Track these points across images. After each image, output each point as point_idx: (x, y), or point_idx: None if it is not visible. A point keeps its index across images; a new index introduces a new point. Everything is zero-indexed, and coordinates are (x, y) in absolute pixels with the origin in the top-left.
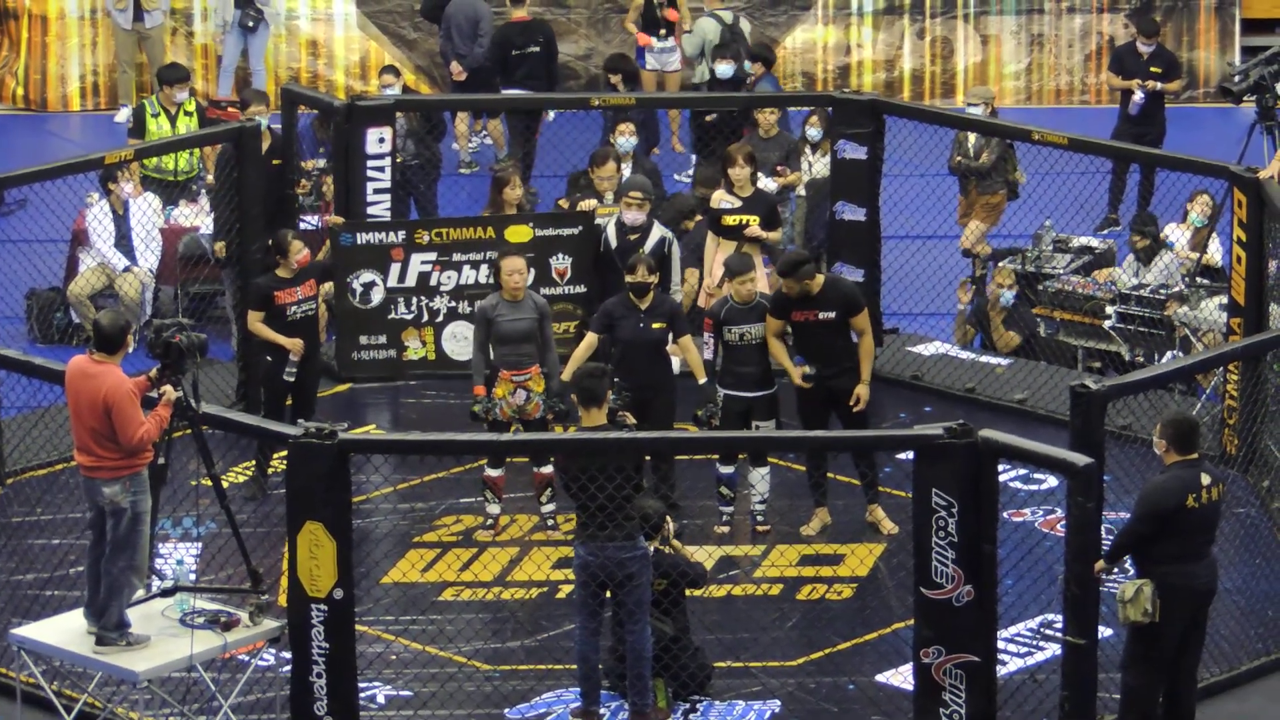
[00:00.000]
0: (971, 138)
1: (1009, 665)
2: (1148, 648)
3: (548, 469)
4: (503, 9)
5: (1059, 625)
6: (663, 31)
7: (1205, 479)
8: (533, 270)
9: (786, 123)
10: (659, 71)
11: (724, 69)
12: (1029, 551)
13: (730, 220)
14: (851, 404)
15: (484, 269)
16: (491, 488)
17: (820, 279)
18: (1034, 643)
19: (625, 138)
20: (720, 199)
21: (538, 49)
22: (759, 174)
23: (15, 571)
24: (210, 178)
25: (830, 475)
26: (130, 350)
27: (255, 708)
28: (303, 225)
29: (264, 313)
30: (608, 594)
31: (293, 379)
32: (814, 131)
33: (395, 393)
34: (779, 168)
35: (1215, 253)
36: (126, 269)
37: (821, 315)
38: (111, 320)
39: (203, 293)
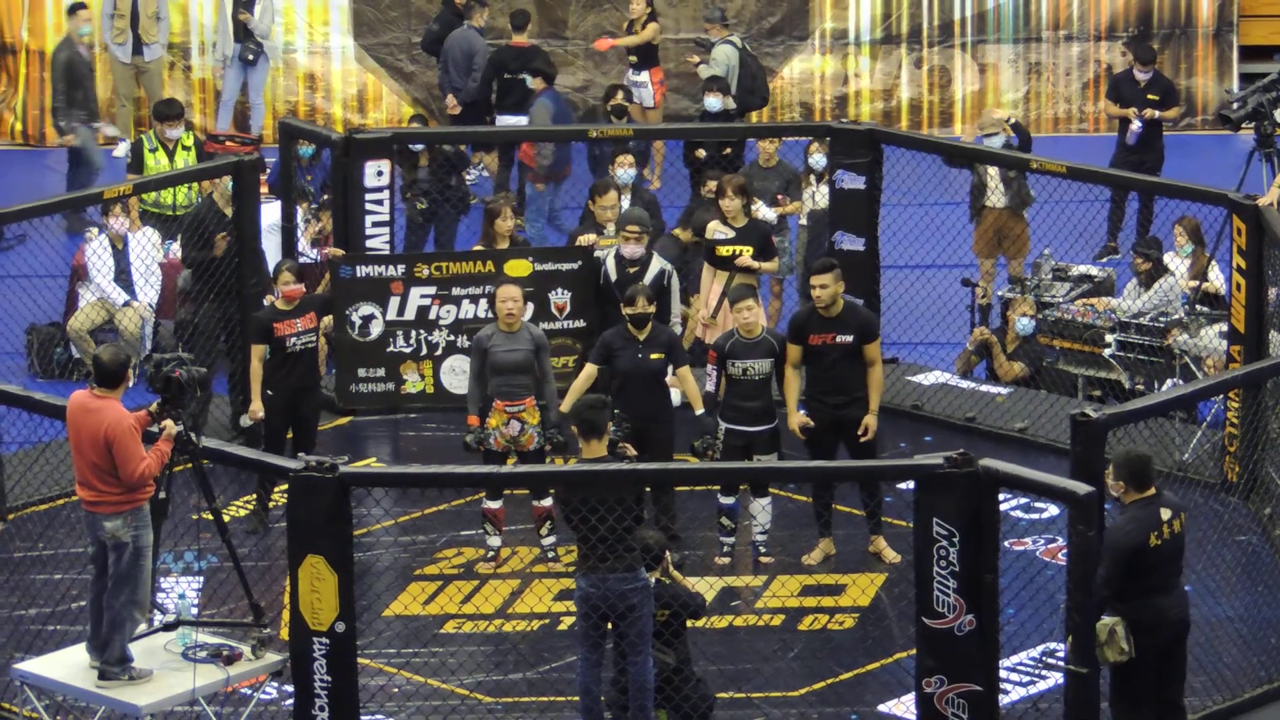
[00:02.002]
0: (991, 170)
1: (1011, 694)
2: (1130, 684)
3: (547, 502)
4: (498, 40)
5: (1061, 654)
6: (634, 59)
7: (1165, 514)
8: (531, 305)
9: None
10: (638, 107)
11: (712, 102)
12: (1030, 580)
13: (724, 251)
14: (860, 434)
15: (483, 303)
16: (491, 520)
17: (841, 300)
18: (1036, 671)
19: (624, 169)
20: (714, 230)
21: (530, 76)
22: (760, 204)
23: (17, 606)
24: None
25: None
26: (130, 385)
27: None
28: (302, 259)
29: (266, 345)
30: (609, 626)
31: (272, 393)
32: (818, 159)
33: (396, 425)
34: (779, 197)
35: (1216, 279)
36: (126, 304)
37: (839, 338)
38: (112, 355)
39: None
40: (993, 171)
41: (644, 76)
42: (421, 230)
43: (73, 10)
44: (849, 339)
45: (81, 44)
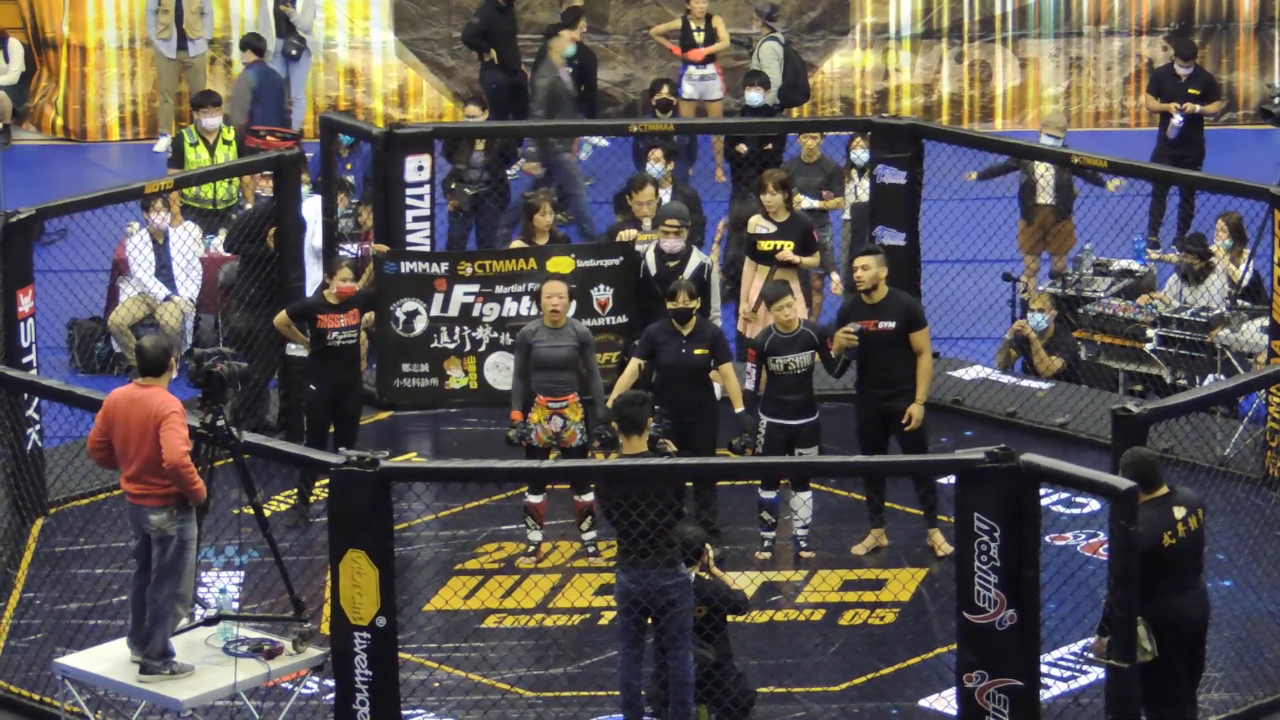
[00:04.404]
0: (1041, 169)
1: (1052, 689)
2: (1158, 683)
3: (588, 497)
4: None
5: None
6: (699, 55)
7: (1179, 512)
8: (574, 302)
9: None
10: (698, 100)
11: (753, 96)
12: (1071, 575)
13: (765, 245)
14: (904, 422)
15: (526, 300)
16: (533, 515)
17: (885, 288)
18: (1077, 667)
19: (654, 164)
20: (756, 224)
21: (570, 69)
22: (805, 197)
23: (59, 601)
24: (249, 207)
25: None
26: (174, 376)
27: None
28: (342, 253)
29: (296, 321)
30: (649, 621)
31: (315, 388)
32: (860, 154)
33: (436, 420)
34: (824, 192)
35: (1247, 272)
36: (167, 298)
37: (881, 324)
38: (154, 343)
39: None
40: (1041, 169)
41: (710, 69)
42: (465, 223)
43: (553, 31)
44: (891, 325)
45: (564, 69)
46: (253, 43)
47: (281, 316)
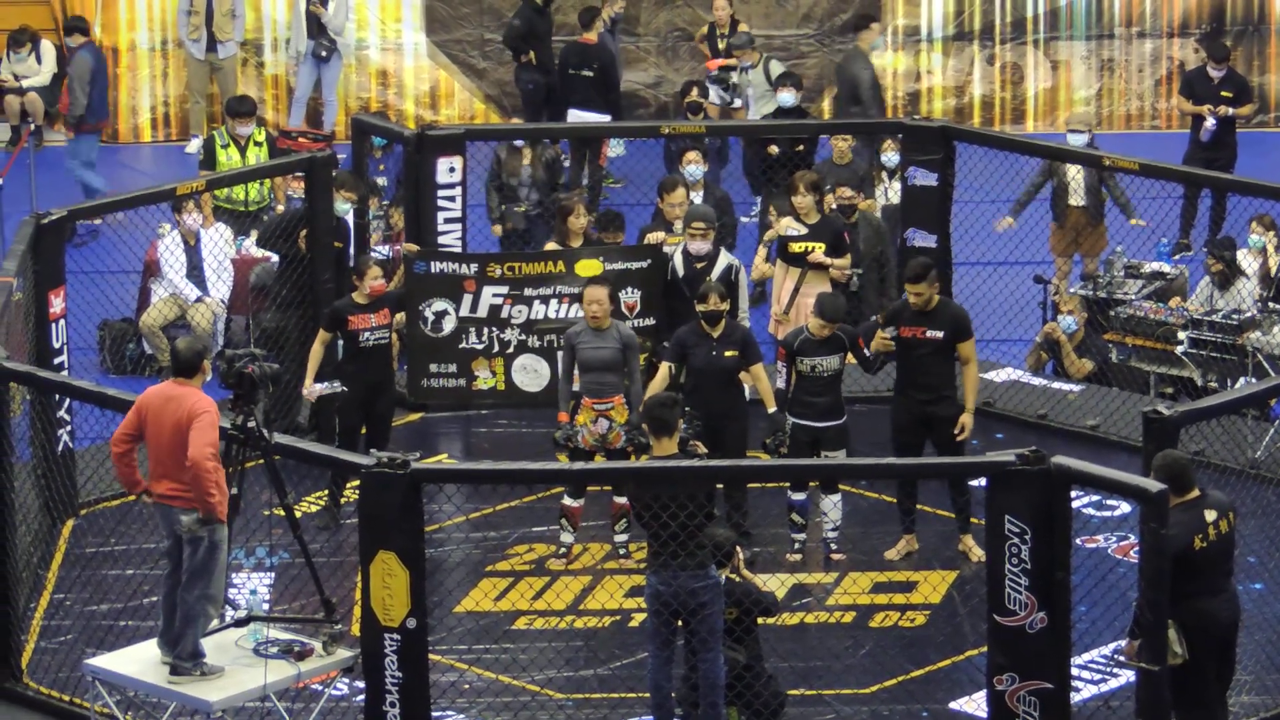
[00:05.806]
0: (1072, 171)
1: (1083, 692)
2: (1188, 686)
3: (625, 498)
4: (569, 37)
5: None
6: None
7: (1210, 515)
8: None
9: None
10: (722, 106)
11: (785, 98)
12: (1102, 578)
13: (796, 247)
14: (956, 432)
15: (554, 304)
16: (569, 517)
17: (936, 296)
18: (1108, 669)
19: (693, 166)
20: (787, 226)
21: (591, 73)
22: (844, 187)
23: (89, 602)
24: (280, 208)
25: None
26: (207, 379)
27: None
28: (373, 254)
29: (333, 334)
30: (680, 623)
31: (347, 389)
32: (890, 156)
33: (467, 422)
34: (856, 194)
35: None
36: (198, 299)
37: (929, 333)
38: (188, 345)
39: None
40: (1073, 172)
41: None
42: (522, 238)
43: (862, 24)
44: (939, 335)
45: (869, 60)
46: (77, 25)
47: (320, 338)
